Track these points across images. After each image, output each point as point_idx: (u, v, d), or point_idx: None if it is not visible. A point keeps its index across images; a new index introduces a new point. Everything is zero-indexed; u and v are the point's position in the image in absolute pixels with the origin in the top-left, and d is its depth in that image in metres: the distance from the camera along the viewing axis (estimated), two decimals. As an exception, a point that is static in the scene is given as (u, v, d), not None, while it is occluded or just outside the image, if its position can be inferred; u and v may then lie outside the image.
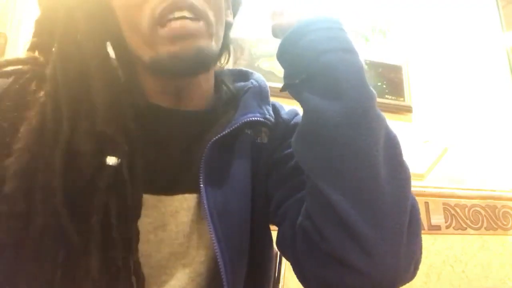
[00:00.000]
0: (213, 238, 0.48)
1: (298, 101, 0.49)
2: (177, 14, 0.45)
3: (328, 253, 0.43)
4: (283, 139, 0.59)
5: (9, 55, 1.22)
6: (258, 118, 0.56)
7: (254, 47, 1.52)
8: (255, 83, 0.62)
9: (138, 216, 0.45)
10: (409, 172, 0.45)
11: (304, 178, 0.49)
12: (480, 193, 1.65)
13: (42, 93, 0.44)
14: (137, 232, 0.44)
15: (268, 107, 0.59)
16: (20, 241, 0.40)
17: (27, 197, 0.40)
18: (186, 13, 0.46)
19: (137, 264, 0.44)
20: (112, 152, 0.43)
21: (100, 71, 0.46)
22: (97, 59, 0.46)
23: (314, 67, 0.46)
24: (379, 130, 0.44)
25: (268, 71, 1.47)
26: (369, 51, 1.71)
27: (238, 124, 0.54)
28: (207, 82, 0.57)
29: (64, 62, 0.45)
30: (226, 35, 0.57)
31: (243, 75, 0.65)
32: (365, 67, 1.65)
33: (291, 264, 0.50)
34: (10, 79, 0.47)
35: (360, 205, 0.41)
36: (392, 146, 0.45)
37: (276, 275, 0.83)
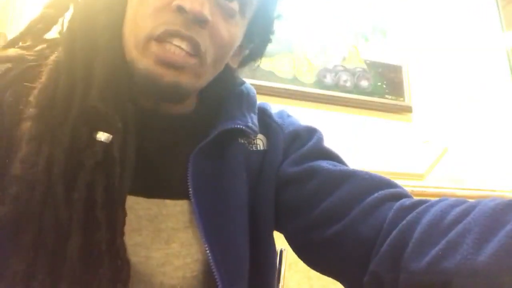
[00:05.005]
0: (207, 248, 0.46)
1: None
2: (176, 42, 0.44)
3: None
4: (286, 146, 0.57)
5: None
6: (239, 126, 0.53)
7: (254, 47, 1.52)
8: (244, 89, 0.60)
9: (124, 195, 0.42)
10: None
11: (336, 206, 0.48)
12: (480, 193, 1.65)
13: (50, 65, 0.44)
14: (124, 214, 0.42)
15: (253, 115, 0.57)
16: (17, 218, 0.38)
17: (34, 166, 0.39)
18: (184, 45, 0.44)
19: (122, 248, 0.41)
20: (104, 128, 0.42)
21: (105, 49, 0.45)
22: (105, 40, 0.46)
23: None
24: None
25: (268, 71, 1.45)
26: (369, 51, 1.71)
27: (219, 131, 0.52)
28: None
29: (71, 42, 0.44)
30: (227, 79, 0.57)
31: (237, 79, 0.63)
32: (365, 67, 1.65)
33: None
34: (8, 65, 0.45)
35: None
36: None
37: (276, 275, 0.83)
